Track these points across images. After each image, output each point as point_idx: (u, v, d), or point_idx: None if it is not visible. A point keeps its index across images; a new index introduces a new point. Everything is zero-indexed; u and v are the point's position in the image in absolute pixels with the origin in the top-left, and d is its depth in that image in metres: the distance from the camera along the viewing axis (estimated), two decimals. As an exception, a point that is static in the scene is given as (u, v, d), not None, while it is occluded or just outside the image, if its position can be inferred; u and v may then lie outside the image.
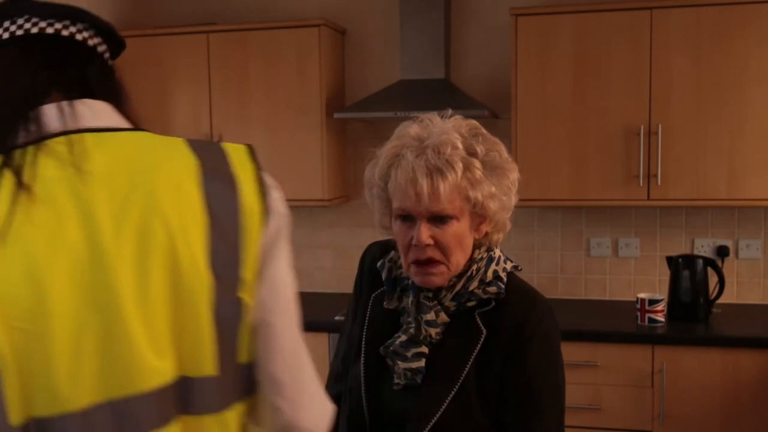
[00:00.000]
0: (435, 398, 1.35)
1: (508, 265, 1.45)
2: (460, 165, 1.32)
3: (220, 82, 3.61)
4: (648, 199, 3.30)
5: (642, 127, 3.26)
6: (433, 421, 1.33)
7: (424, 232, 1.34)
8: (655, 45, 3.24)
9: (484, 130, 1.41)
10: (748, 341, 3.02)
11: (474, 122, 1.42)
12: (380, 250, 1.54)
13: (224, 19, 3.87)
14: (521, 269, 1.49)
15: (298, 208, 3.93)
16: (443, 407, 1.33)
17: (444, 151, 1.33)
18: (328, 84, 3.62)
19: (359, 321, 1.52)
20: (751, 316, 3.37)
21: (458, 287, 1.39)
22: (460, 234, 1.36)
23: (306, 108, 3.57)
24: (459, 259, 1.39)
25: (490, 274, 1.40)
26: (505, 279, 1.41)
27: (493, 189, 1.35)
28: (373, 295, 1.51)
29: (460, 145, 1.34)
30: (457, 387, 1.34)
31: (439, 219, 1.35)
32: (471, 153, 1.35)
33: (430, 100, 3.44)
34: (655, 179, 3.27)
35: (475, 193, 1.34)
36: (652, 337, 3.10)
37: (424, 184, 1.31)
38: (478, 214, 1.38)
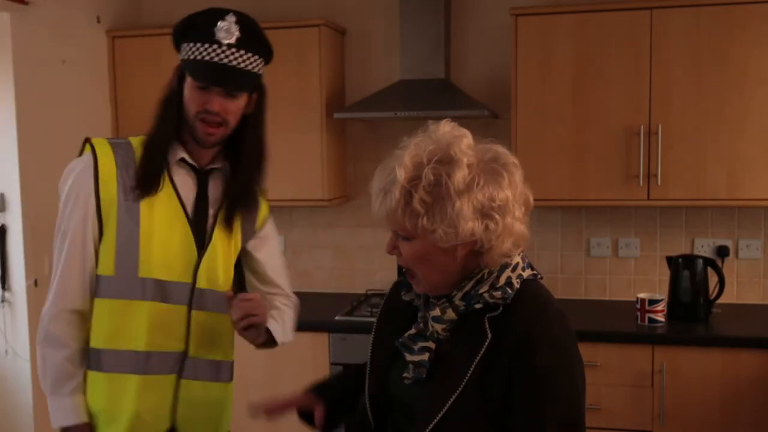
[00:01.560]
0: (439, 395, 1.35)
1: (526, 273, 1.43)
2: (396, 195, 1.32)
3: (220, 82, 3.60)
4: (648, 199, 3.30)
5: (642, 127, 3.26)
6: (437, 419, 1.34)
7: (389, 243, 1.42)
8: (655, 45, 3.24)
9: (456, 150, 1.32)
10: (748, 341, 3.02)
11: (454, 139, 1.35)
12: None
13: (224, 19, 3.86)
14: (542, 278, 1.47)
15: (297, 208, 3.93)
16: (446, 406, 1.34)
17: (389, 177, 1.35)
18: (328, 84, 3.62)
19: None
20: (751, 316, 3.37)
21: (467, 288, 1.39)
22: (419, 253, 1.37)
23: (306, 108, 3.56)
24: (429, 275, 1.39)
25: (502, 279, 1.39)
26: (516, 285, 1.39)
27: (425, 221, 1.31)
28: (395, 281, 1.55)
29: (401, 176, 1.32)
30: (460, 388, 1.34)
31: (398, 233, 1.39)
32: (415, 184, 1.32)
33: (430, 100, 3.44)
34: (655, 179, 3.27)
35: (415, 223, 1.33)
36: (652, 337, 3.10)
37: (374, 203, 1.38)
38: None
